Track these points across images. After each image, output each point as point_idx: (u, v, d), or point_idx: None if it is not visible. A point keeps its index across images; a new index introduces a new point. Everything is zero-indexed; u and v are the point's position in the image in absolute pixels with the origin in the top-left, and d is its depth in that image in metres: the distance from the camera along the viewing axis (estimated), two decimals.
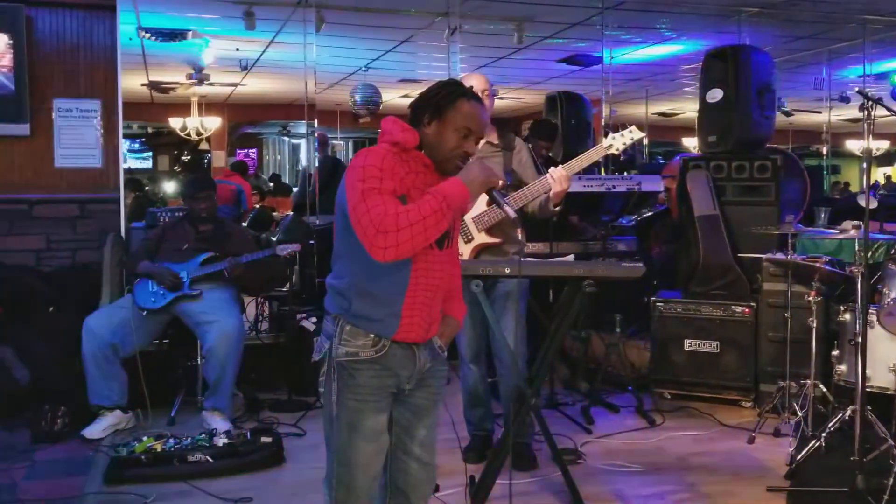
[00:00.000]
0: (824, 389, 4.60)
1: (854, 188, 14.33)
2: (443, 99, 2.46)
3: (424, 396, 2.62)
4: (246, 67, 9.82)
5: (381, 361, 2.46)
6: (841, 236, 4.89)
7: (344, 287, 2.48)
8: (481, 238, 4.00)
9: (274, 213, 9.66)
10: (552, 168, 3.76)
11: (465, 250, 3.97)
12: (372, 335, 2.45)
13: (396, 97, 11.53)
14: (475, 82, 3.94)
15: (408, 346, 2.50)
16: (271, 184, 13.49)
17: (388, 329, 2.45)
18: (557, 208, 3.87)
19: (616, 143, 3.81)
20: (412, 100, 2.54)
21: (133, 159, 14.82)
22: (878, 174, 17.75)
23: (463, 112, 2.46)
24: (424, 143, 2.47)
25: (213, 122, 11.98)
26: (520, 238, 4.19)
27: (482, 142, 4.07)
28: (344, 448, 2.48)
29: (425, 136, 2.47)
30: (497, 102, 8.80)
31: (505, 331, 3.94)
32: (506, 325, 4.03)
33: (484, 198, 3.96)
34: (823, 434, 4.13)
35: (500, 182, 2.53)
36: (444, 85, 2.52)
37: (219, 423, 4.65)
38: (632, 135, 3.80)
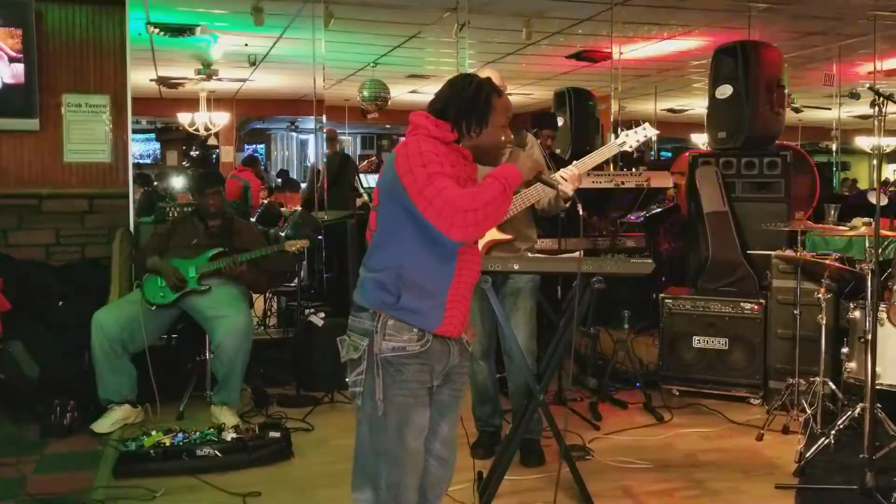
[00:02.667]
0: (833, 387, 4.58)
1: (863, 185, 14.28)
2: (484, 109, 2.46)
3: (449, 393, 2.60)
4: (254, 63, 9.83)
5: (424, 356, 2.43)
6: (851, 233, 4.87)
7: (389, 279, 2.40)
8: (493, 234, 3.99)
9: (282, 209, 9.68)
10: (568, 167, 3.74)
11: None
12: (416, 329, 2.40)
13: (405, 93, 11.54)
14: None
15: (444, 341, 2.48)
16: (279, 179, 13.52)
17: (432, 322, 2.41)
18: (567, 204, 3.86)
19: (629, 140, 3.78)
20: (443, 109, 2.47)
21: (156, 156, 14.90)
22: (888, 171, 17.67)
23: (500, 109, 2.49)
24: (467, 145, 2.46)
25: (222, 118, 12.00)
26: (534, 236, 4.19)
27: None
28: (395, 448, 2.42)
29: (468, 139, 2.46)
30: None
31: (514, 327, 3.93)
32: (515, 322, 4.02)
33: None
34: (833, 432, 4.12)
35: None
36: (475, 92, 2.48)
37: (227, 417, 4.67)
38: (645, 132, 3.77)
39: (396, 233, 2.37)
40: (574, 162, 3.76)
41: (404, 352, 2.40)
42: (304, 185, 10.60)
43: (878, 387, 3.93)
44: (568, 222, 5.30)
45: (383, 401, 2.40)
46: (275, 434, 4.33)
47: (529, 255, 4.01)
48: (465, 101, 2.46)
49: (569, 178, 3.67)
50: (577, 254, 3.83)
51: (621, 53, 8.12)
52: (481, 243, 3.98)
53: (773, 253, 5.14)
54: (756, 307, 5.26)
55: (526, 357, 3.88)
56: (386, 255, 2.42)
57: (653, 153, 11.91)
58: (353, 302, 2.51)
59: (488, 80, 2.54)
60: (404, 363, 2.40)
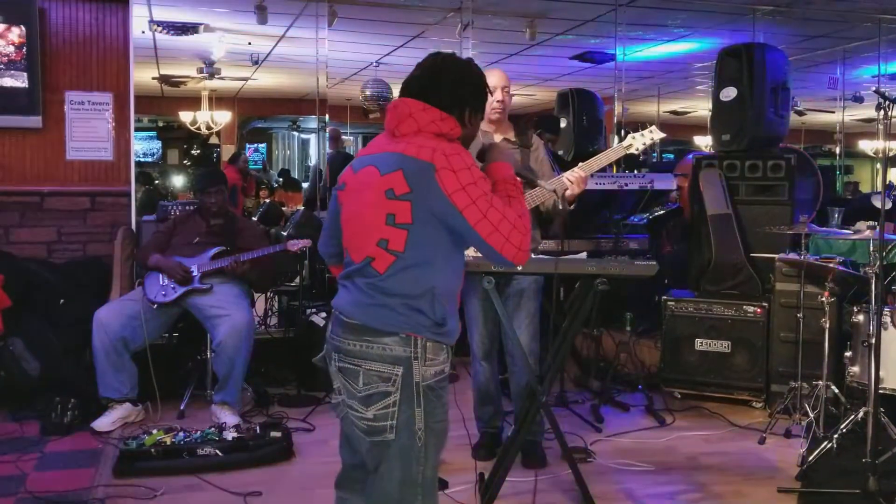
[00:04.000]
0: (836, 391, 4.57)
1: (864, 188, 14.25)
2: (483, 96, 2.34)
3: None
4: (257, 62, 9.82)
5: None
6: (855, 237, 4.86)
7: (424, 304, 2.18)
8: None
9: (283, 208, 9.66)
10: (572, 170, 3.73)
11: None
12: (446, 346, 2.24)
13: None
14: (496, 79, 3.92)
15: None
16: (280, 178, 13.51)
17: (455, 335, 2.27)
18: (571, 206, 3.85)
19: (636, 142, 3.76)
20: (451, 97, 2.28)
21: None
22: (891, 175, 17.64)
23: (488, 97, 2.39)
24: (462, 136, 2.31)
25: (224, 117, 11.99)
26: (538, 237, 4.17)
27: (500, 138, 4.06)
28: (432, 476, 2.26)
29: (465, 130, 2.31)
30: None
31: (517, 328, 3.93)
32: (519, 323, 4.01)
33: None
34: (835, 435, 4.11)
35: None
36: (477, 74, 2.35)
37: (228, 417, 4.66)
38: (652, 135, 3.74)
39: (433, 254, 2.17)
40: (580, 164, 3.75)
41: (443, 374, 2.24)
42: (305, 185, 10.59)
43: (881, 391, 3.92)
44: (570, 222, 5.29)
45: (424, 431, 2.20)
46: (276, 434, 4.32)
47: (533, 256, 4.00)
48: (472, 85, 2.31)
49: (575, 180, 3.66)
50: (580, 255, 3.82)
51: (625, 55, 8.09)
52: None
53: (776, 256, 5.13)
54: (759, 310, 5.25)
55: (528, 358, 3.87)
56: (417, 279, 2.18)
57: (655, 155, 11.88)
58: (361, 325, 2.22)
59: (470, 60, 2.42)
60: (443, 386, 2.25)
